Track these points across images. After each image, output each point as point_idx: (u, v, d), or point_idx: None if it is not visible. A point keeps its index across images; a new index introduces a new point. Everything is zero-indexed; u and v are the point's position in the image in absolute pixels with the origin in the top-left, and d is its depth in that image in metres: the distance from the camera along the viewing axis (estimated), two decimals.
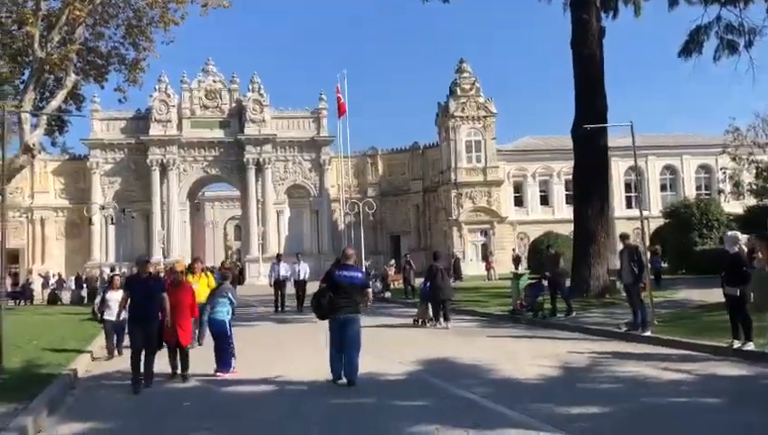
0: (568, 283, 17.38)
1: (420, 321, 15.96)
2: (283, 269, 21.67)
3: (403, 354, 10.96)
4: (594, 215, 20.62)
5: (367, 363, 9.89)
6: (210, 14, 28.29)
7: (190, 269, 13.10)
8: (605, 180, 21.66)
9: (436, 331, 14.77)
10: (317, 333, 10.64)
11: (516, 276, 16.92)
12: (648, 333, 11.97)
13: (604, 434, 6.07)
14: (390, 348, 11.91)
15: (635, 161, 16.36)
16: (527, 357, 10.36)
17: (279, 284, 21.31)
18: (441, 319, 15.25)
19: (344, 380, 8.45)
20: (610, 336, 12.62)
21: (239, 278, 27.99)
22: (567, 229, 42.99)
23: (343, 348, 8.53)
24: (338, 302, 8.58)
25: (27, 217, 49.40)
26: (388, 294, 25.32)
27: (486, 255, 42.71)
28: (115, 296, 13.06)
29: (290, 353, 11.44)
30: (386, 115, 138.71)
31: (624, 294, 19.03)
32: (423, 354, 10.94)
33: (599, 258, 20.33)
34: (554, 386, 8.31)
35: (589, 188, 20.86)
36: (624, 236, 12.98)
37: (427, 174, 52.95)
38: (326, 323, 8.86)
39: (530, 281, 16.71)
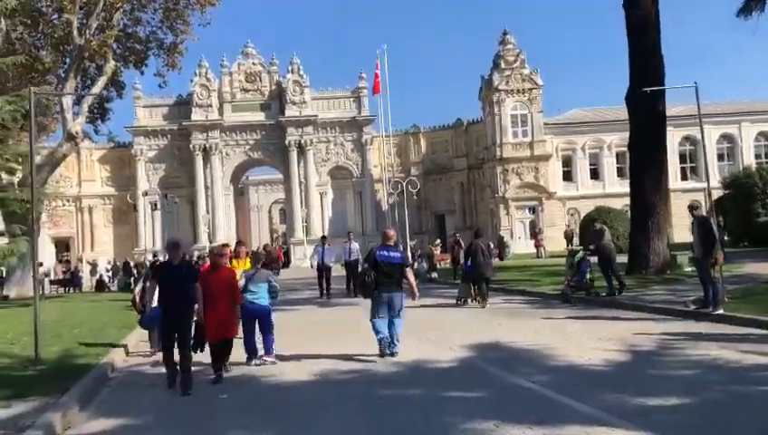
0: (619, 259, 16.34)
1: (462, 300, 15.81)
2: (328, 253, 20.14)
3: (452, 339, 10.26)
4: (652, 186, 19.41)
5: (414, 349, 9.26)
6: None
7: (234, 253, 12.26)
8: (663, 149, 20.34)
9: (486, 313, 14.01)
10: (363, 318, 9.96)
11: (571, 253, 15.91)
12: (720, 311, 10.97)
13: (692, 431, 5.24)
14: (438, 332, 11.23)
15: (701, 127, 15.08)
16: (589, 340, 9.54)
17: (323, 268, 19.91)
18: (479, 298, 15.27)
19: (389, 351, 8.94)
20: (677, 315, 11.65)
21: (284, 262, 27.49)
22: (619, 204, 41.67)
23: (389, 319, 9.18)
24: (381, 280, 9.10)
25: (76, 205, 50.18)
26: (434, 275, 24.53)
27: (535, 232, 41.45)
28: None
29: (334, 340, 10.82)
30: (428, 92, 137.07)
31: (686, 269, 18.09)
32: (474, 338, 10.22)
33: (658, 232, 19.17)
34: (623, 373, 7.48)
35: (646, 157, 19.63)
36: (693, 207, 11.89)
37: (472, 151, 51.74)
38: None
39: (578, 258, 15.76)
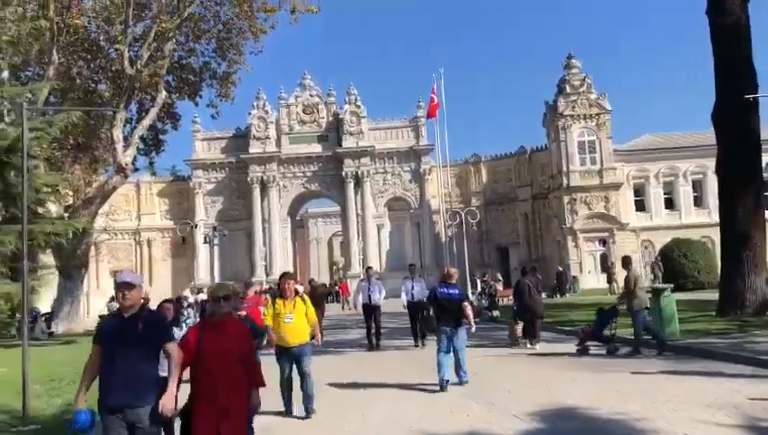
0: (705, 295, 13.90)
1: (512, 341, 15.21)
2: (375, 289, 15.83)
3: (516, 401, 8.36)
4: (747, 213, 16.97)
5: (469, 417, 7.44)
6: (305, 27, 27.04)
7: (279, 292, 8.59)
8: (758, 171, 17.86)
9: (557, 363, 11.96)
10: (420, 370, 8.21)
11: (656, 292, 13.63)
12: None
13: None
14: (499, 388, 9.34)
15: None
16: (694, 408, 7.46)
17: (369, 309, 15.61)
18: (530, 339, 14.58)
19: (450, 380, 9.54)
20: None
21: (326, 296, 25.08)
22: (697, 235, 38.70)
23: (452, 352, 9.75)
24: (441, 315, 9.93)
25: (135, 238, 50.34)
26: (496, 314, 22.32)
27: (608, 265, 38.61)
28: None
29: (380, 397, 9.11)
30: (488, 120, 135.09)
31: None
32: (543, 401, 8.28)
33: (755, 267, 16.70)
34: None
35: (739, 181, 17.23)
36: None
37: (536, 180, 49.38)
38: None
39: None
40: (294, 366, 8.12)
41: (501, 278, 32.40)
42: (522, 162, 50.57)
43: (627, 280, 12.68)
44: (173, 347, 4.90)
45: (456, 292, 10.06)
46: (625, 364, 11.11)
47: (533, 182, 49.64)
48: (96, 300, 46.27)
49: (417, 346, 14.86)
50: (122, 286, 4.82)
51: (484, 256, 49.83)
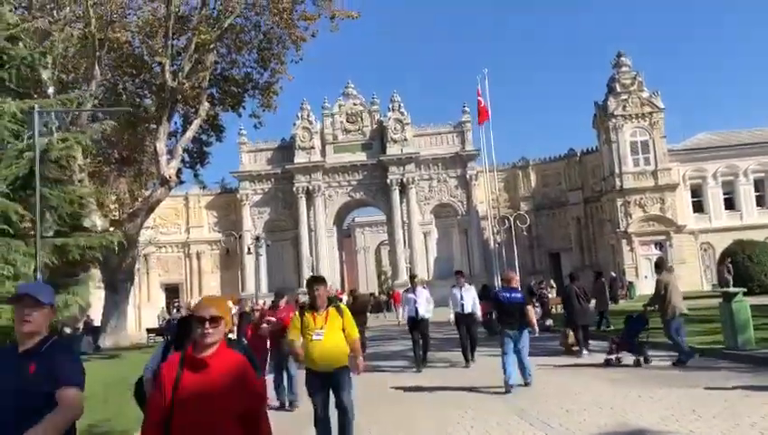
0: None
1: (565, 351, 14.49)
2: (422, 299, 13.62)
3: (576, 422, 7.50)
4: None
5: None
6: (346, 35, 26.67)
7: (311, 303, 6.81)
8: None
9: (618, 377, 10.97)
10: (472, 391, 7.43)
11: (727, 296, 12.46)
12: None
13: None
14: (555, 407, 8.47)
15: None
16: None
17: (415, 323, 13.51)
18: (583, 348, 14.06)
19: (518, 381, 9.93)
20: None
21: (367, 306, 23.95)
22: (761, 236, 36.67)
23: (517, 354, 10.20)
24: (504, 319, 10.36)
25: (184, 251, 50.79)
26: (549, 322, 21.23)
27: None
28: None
29: (427, 423, 8.37)
30: (535, 122, 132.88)
31: None
32: (609, 420, 7.40)
33: None
34: None
35: None
36: None
37: (587, 183, 47.85)
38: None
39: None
40: (332, 397, 6.36)
41: (554, 285, 31.22)
42: (572, 165, 49.11)
43: (657, 284, 11.92)
44: (70, 396, 3.11)
45: (518, 295, 10.56)
46: (690, 378, 10.05)
47: (584, 185, 48.13)
48: (147, 313, 46.87)
49: (467, 365, 13.13)
50: (22, 302, 3.24)
51: (535, 263, 48.48)
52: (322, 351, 6.18)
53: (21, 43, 13.29)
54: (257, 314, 12.79)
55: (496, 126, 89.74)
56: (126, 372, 15.15)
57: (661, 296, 11.51)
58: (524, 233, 41.33)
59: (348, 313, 6.53)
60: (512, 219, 37.20)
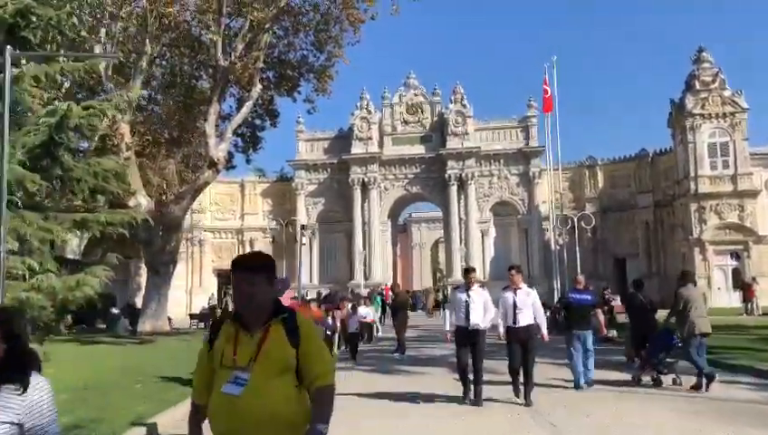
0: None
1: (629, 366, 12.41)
2: (476, 305, 9.44)
3: None
4: None
5: None
6: (408, 22, 25.29)
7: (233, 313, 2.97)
8: None
9: (680, 405, 9.17)
10: None
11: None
12: None
13: None
14: None
15: None
16: None
17: (465, 335, 9.49)
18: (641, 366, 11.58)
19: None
20: None
21: (407, 303, 22.33)
22: None
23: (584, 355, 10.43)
24: (573, 319, 10.64)
25: (238, 238, 50.48)
26: (613, 333, 19.23)
27: (745, 282, 33.89)
28: None
29: None
30: (605, 119, 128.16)
31: None
32: None
33: None
34: None
35: None
36: None
37: (659, 185, 44.92)
38: None
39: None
40: None
41: (618, 294, 29.04)
42: (643, 166, 46.26)
43: (676, 298, 10.71)
44: None
45: (589, 297, 10.95)
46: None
47: (656, 188, 45.25)
48: (199, 299, 46.65)
49: (525, 403, 9.21)
50: None
51: (598, 268, 45.83)
52: (241, 419, 2.75)
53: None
54: None
55: (563, 122, 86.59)
56: (144, 360, 14.25)
57: (679, 312, 10.54)
58: (588, 235, 39.04)
59: (311, 331, 3.00)
60: (575, 220, 34.94)
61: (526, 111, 47.14)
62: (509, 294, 9.73)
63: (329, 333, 13.52)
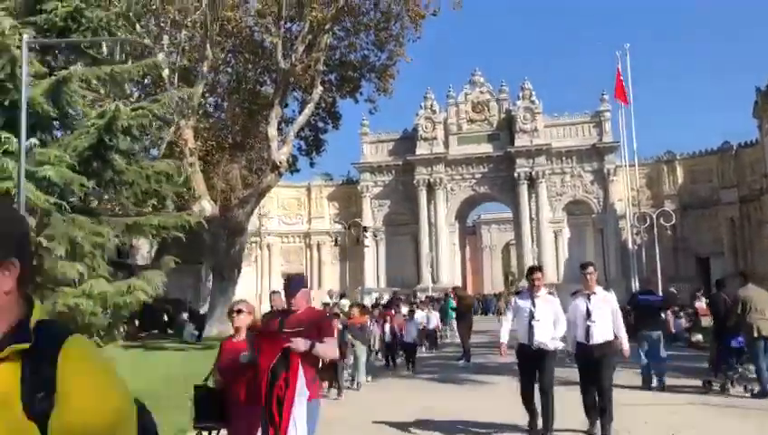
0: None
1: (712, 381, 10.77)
2: (549, 317, 7.34)
3: None
4: None
5: None
6: (472, 18, 24.48)
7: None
8: None
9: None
10: None
11: None
12: None
13: None
14: None
15: None
16: None
17: (530, 356, 7.36)
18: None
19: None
20: None
21: (472, 307, 21.24)
22: None
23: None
24: (642, 320, 11.17)
25: (305, 242, 50.65)
26: (698, 337, 17.76)
27: None
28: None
29: None
30: (682, 111, 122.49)
31: None
32: None
33: None
34: None
35: None
36: None
37: (744, 180, 42.09)
38: None
39: None
40: None
41: (702, 293, 27.14)
42: (726, 160, 43.51)
43: (734, 299, 10.35)
44: None
45: (656, 298, 11.74)
46: None
47: (741, 183, 42.42)
48: (268, 304, 46.96)
49: None
50: None
51: (679, 268, 43.36)
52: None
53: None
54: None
55: (639, 116, 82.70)
56: (200, 368, 13.90)
57: (738, 315, 10.11)
58: (668, 232, 36.84)
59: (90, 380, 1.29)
60: (654, 217, 33.00)
61: (599, 106, 45.19)
62: (580, 301, 7.58)
63: (370, 339, 12.73)
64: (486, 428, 8.00)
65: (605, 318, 7.40)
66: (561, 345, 7.46)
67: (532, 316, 7.23)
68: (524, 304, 7.46)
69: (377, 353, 14.78)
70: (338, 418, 8.54)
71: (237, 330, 5.14)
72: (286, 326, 4.54)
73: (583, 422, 7.52)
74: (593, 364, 7.29)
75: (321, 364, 4.77)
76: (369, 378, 12.32)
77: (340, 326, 10.85)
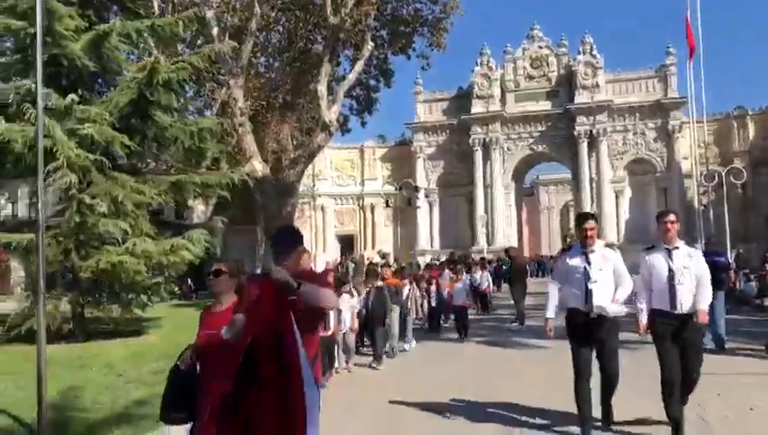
0: None
1: None
2: (607, 278, 5.73)
3: None
4: None
5: None
6: None
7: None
8: None
9: None
10: None
11: None
12: None
13: None
14: None
15: None
16: None
17: (582, 327, 5.73)
18: None
19: None
20: None
21: (526, 269, 20.37)
22: None
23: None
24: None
25: (358, 203, 50.47)
26: (765, 302, 16.70)
27: None
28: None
29: None
30: (755, 62, 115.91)
31: None
32: None
33: None
34: None
35: None
36: None
37: None
38: None
39: None
40: None
41: None
42: None
43: None
44: None
45: (721, 259, 10.85)
46: None
47: None
48: (322, 265, 47.18)
49: None
50: None
51: (748, 229, 41.25)
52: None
53: None
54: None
55: (708, 70, 77.82)
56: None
57: None
58: (738, 191, 34.91)
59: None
60: (723, 175, 31.27)
61: (664, 59, 42.88)
62: (658, 258, 5.76)
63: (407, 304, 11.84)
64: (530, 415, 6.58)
65: (691, 281, 5.63)
66: (624, 311, 5.69)
67: (587, 277, 5.63)
68: (575, 262, 5.80)
69: (415, 318, 14.28)
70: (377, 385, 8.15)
71: (218, 296, 4.13)
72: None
73: (648, 409, 6.17)
74: (678, 337, 5.60)
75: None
76: (413, 343, 11.88)
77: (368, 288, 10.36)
